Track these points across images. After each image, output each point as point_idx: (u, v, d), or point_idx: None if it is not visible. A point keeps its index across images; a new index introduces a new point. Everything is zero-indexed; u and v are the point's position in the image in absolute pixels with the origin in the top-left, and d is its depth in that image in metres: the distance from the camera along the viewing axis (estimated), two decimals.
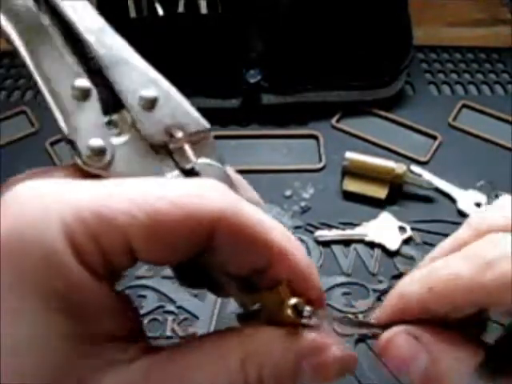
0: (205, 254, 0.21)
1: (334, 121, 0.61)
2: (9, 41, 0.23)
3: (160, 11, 0.59)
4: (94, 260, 0.19)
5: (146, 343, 0.21)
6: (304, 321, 0.22)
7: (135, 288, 0.46)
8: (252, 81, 0.60)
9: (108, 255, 0.19)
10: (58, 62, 0.23)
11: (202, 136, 0.24)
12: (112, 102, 0.24)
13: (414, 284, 0.23)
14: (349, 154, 0.55)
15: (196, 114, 0.24)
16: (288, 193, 0.54)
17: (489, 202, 0.53)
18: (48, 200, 0.19)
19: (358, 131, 0.60)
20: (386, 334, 0.24)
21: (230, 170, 0.25)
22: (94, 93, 0.23)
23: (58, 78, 0.23)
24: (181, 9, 0.59)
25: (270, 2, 0.59)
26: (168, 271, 0.47)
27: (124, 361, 0.19)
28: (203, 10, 0.58)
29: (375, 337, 0.25)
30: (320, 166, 0.57)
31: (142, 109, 0.23)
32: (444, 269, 0.23)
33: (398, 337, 0.23)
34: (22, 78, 0.66)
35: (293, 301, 0.22)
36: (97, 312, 0.19)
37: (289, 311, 0.21)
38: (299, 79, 0.61)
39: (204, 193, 0.21)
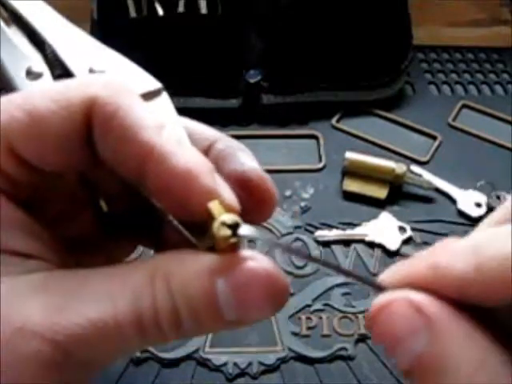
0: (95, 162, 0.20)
1: (334, 121, 0.61)
2: None
3: (160, 11, 0.59)
4: None
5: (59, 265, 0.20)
6: (234, 239, 0.18)
7: None
8: (252, 81, 0.60)
9: None
10: (14, 54, 0.27)
11: (154, 95, 0.24)
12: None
13: (456, 256, 0.18)
14: (349, 154, 0.55)
15: (146, 77, 0.25)
16: (288, 193, 0.54)
17: (489, 202, 0.53)
18: None
19: (357, 131, 0.60)
20: (382, 299, 0.18)
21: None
22: (47, 73, 0.26)
23: (13, 65, 0.27)
24: (181, 9, 0.59)
25: (269, 2, 0.59)
26: None
27: (19, 272, 0.19)
28: (203, 10, 0.58)
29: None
30: (320, 165, 0.57)
31: None
32: (497, 243, 0.17)
33: (396, 304, 0.18)
34: None
35: (223, 217, 0.18)
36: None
37: (219, 231, 0.18)
38: (299, 79, 0.61)
39: (82, 83, 0.20)
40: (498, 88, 0.67)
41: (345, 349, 0.43)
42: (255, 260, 0.19)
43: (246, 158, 0.22)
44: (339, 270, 0.22)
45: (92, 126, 0.19)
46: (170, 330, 0.19)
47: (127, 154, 0.19)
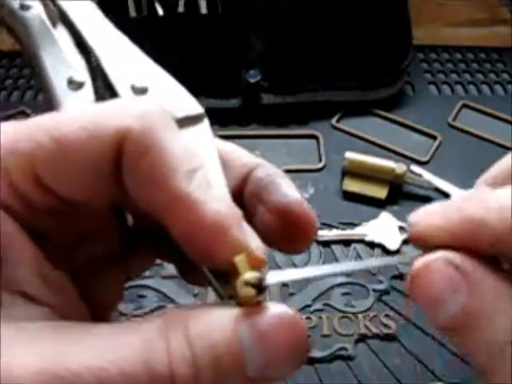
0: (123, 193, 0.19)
1: (334, 121, 0.61)
2: (20, 43, 0.27)
3: (160, 11, 0.59)
4: (2, 191, 0.18)
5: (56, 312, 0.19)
6: (260, 298, 0.18)
7: (135, 288, 0.46)
8: (252, 81, 0.60)
9: (15, 183, 0.18)
10: (58, 59, 0.26)
11: (194, 121, 0.24)
12: (109, 93, 0.25)
13: (491, 210, 0.18)
14: (349, 154, 0.55)
15: (188, 100, 0.24)
16: None
17: None
18: None
19: (358, 131, 0.60)
20: (420, 260, 0.19)
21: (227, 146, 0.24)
22: (88, 84, 0.25)
23: (56, 72, 0.25)
24: (181, 9, 0.59)
25: (269, 2, 0.59)
26: (168, 271, 0.47)
27: (21, 318, 0.18)
28: (203, 10, 0.58)
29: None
30: (320, 165, 0.57)
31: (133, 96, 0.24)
32: None
33: (435, 264, 0.19)
34: (21, 78, 0.66)
35: (247, 276, 0.18)
36: (12, 259, 0.18)
37: (242, 289, 0.17)
38: (299, 79, 0.61)
39: (116, 112, 0.19)
40: (498, 88, 0.67)
41: (345, 349, 0.43)
42: (279, 307, 0.18)
43: (287, 188, 0.22)
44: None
45: (122, 161, 0.18)
46: None
47: (153, 198, 0.18)
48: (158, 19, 0.59)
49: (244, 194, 0.22)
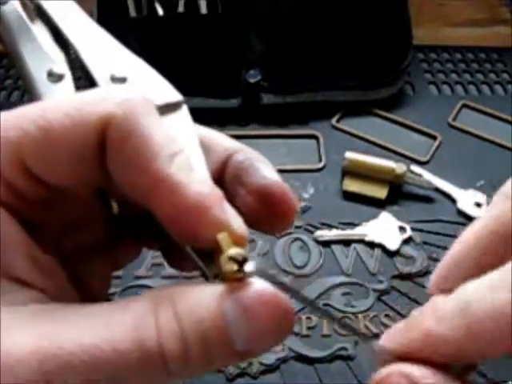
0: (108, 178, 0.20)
1: (334, 121, 0.61)
2: (1, 40, 0.28)
3: (160, 11, 0.59)
4: None
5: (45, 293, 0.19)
6: (241, 274, 0.18)
7: (135, 288, 0.46)
8: (252, 81, 0.60)
9: (2, 171, 0.18)
10: (37, 53, 0.27)
11: (174, 108, 0.24)
12: (89, 85, 0.25)
13: (445, 321, 0.19)
14: (349, 154, 0.55)
15: (167, 88, 0.24)
16: None
17: (489, 202, 0.53)
18: None
19: (358, 131, 0.60)
20: (380, 373, 0.20)
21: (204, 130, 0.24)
22: (68, 76, 0.26)
23: (35, 65, 0.26)
24: (181, 9, 0.59)
25: (269, 2, 0.59)
26: (168, 271, 0.46)
27: (15, 302, 0.18)
28: (203, 9, 0.58)
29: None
30: (320, 165, 0.57)
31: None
32: (484, 299, 0.18)
33: (391, 376, 0.20)
34: None
35: (230, 251, 0.18)
36: (2, 244, 0.18)
37: (226, 265, 0.18)
38: (299, 79, 0.61)
39: (99, 99, 0.19)
40: (498, 88, 0.67)
41: (345, 349, 0.43)
42: (261, 284, 0.18)
43: (266, 171, 0.22)
44: (336, 320, 0.23)
45: (105, 146, 0.19)
46: (177, 360, 0.17)
47: (137, 181, 0.19)
48: (157, 19, 0.59)
49: (224, 176, 0.23)
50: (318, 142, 0.59)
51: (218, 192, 0.19)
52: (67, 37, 0.26)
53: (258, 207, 0.22)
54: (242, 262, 0.18)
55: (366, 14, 0.61)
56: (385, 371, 0.20)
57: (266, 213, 0.22)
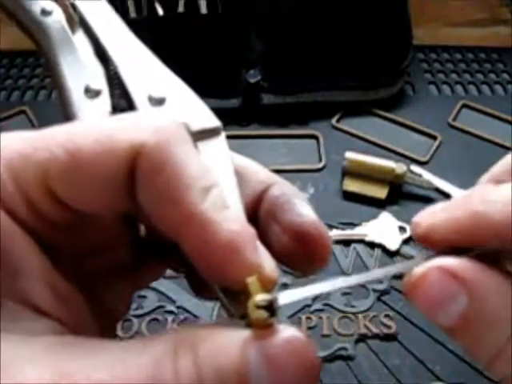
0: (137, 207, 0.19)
1: (334, 121, 0.61)
2: (39, 47, 0.27)
3: (160, 11, 0.59)
4: (14, 200, 0.18)
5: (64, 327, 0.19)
6: (271, 320, 0.17)
7: None
8: (252, 81, 0.60)
9: (27, 194, 0.18)
10: (76, 67, 0.26)
11: (210, 134, 0.23)
12: (126, 103, 0.24)
13: (494, 204, 0.18)
14: (349, 154, 0.55)
15: (205, 112, 0.24)
16: None
17: None
18: None
19: (358, 131, 0.60)
20: (418, 270, 0.19)
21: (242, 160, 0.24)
22: (106, 92, 0.25)
23: (73, 79, 0.26)
24: (181, 9, 0.59)
25: (269, 2, 0.59)
26: (168, 271, 0.46)
27: (32, 332, 0.17)
28: (203, 9, 0.58)
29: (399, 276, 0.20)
30: (320, 165, 0.57)
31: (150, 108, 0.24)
32: None
33: (431, 273, 0.19)
34: (21, 78, 0.66)
35: (258, 298, 0.17)
36: (21, 270, 0.18)
37: (254, 312, 0.17)
38: (299, 79, 0.61)
39: (131, 126, 0.19)
40: (498, 88, 0.67)
41: (345, 349, 0.43)
42: (289, 331, 0.17)
43: (303, 208, 0.22)
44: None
45: (135, 176, 0.18)
46: None
47: (167, 214, 0.18)
48: (157, 19, 0.59)
49: (259, 211, 0.22)
50: (318, 142, 0.59)
51: (251, 231, 0.19)
52: (108, 52, 0.25)
53: (292, 246, 0.21)
54: (270, 309, 0.17)
55: (366, 14, 0.61)
56: (422, 268, 0.19)
57: (300, 253, 0.21)
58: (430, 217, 0.20)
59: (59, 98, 0.26)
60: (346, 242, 0.50)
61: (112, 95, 0.25)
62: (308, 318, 0.45)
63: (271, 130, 0.61)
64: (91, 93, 0.25)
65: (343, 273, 0.48)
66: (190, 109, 0.23)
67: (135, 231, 0.23)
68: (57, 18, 0.27)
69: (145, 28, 0.59)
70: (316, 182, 0.55)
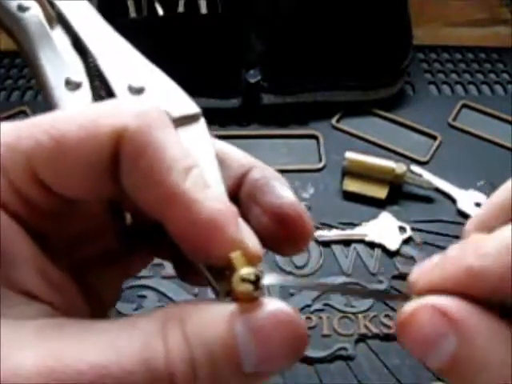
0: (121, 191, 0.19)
1: (334, 121, 0.61)
2: (18, 44, 0.28)
3: (160, 11, 0.59)
4: (3, 190, 0.18)
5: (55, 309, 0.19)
6: (256, 294, 0.18)
7: (135, 288, 0.46)
8: (252, 81, 0.60)
9: (15, 183, 0.18)
10: (56, 60, 0.27)
11: (190, 120, 0.23)
12: (106, 93, 0.25)
13: (488, 257, 0.18)
14: (349, 154, 0.55)
15: (185, 99, 0.24)
16: None
17: None
18: None
19: (358, 131, 0.60)
20: (408, 308, 0.19)
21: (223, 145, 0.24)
22: (86, 84, 0.26)
23: (53, 73, 0.26)
24: (181, 9, 0.59)
25: (269, 2, 0.59)
26: (168, 271, 0.47)
27: (23, 316, 0.18)
28: (203, 9, 0.58)
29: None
30: (320, 166, 0.57)
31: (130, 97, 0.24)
32: None
33: (421, 312, 0.18)
34: (21, 78, 0.66)
35: (243, 271, 0.17)
36: (13, 258, 0.18)
37: (239, 285, 0.17)
38: (299, 79, 0.61)
39: (113, 111, 0.19)
40: (498, 88, 0.67)
41: (345, 349, 0.43)
42: (275, 304, 0.18)
43: (282, 190, 0.22)
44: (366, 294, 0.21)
45: (119, 160, 0.19)
46: (185, 382, 0.17)
47: (150, 195, 0.19)
48: (158, 19, 0.59)
49: (240, 194, 0.22)
50: (318, 142, 0.59)
51: (233, 209, 0.19)
52: (86, 44, 0.26)
53: (272, 227, 0.21)
54: (255, 282, 0.17)
55: (366, 14, 0.61)
56: (414, 304, 0.19)
57: (280, 234, 0.21)
58: (425, 276, 0.20)
59: (42, 92, 0.26)
60: (346, 242, 0.50)
61: (92, 87, 0.26)
62: (308, 317, 0.45)
63: (271, 129, 0.61)
64: (72, 85, 0.26)
65: (343, 273, 0.48)
66: (170, 96, 0.24)
67: (121, 219, 0.24)
68: (34, 14, 0.28)
69: (145, 28, 0.59)
70: (316, 182, 0.55)
